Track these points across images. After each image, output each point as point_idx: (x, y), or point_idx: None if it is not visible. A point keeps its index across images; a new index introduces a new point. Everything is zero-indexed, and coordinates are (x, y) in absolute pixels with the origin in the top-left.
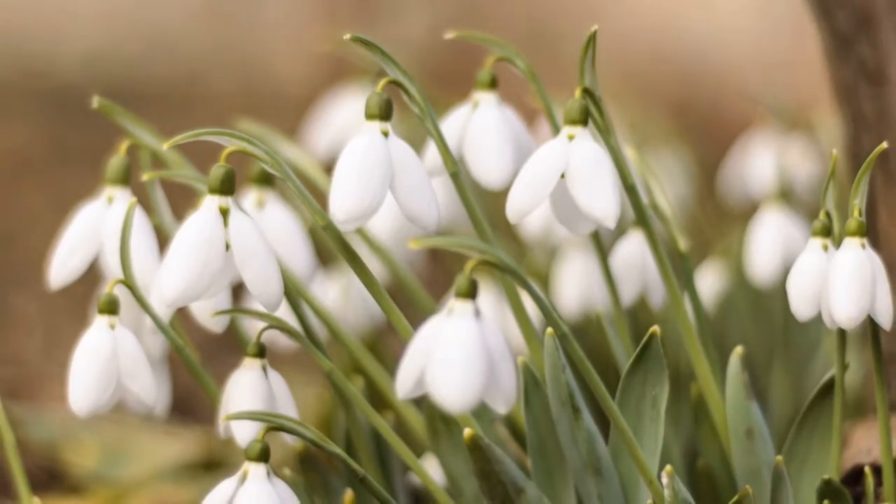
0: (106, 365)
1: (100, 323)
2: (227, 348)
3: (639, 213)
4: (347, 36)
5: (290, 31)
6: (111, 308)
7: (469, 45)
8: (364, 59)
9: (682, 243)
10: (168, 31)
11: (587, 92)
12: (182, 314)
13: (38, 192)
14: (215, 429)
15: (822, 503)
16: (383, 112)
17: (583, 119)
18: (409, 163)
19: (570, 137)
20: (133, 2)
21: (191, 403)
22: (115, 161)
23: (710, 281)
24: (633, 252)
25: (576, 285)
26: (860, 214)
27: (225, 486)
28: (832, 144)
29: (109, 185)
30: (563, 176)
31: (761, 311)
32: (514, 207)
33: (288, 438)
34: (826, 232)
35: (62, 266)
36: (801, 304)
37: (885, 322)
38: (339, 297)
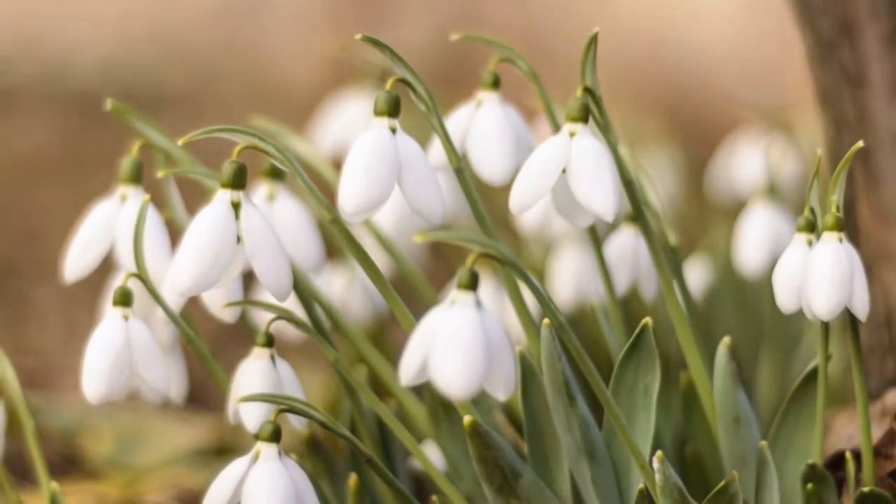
0: (119, 354)
1: (114, 314)
2: (236, 340)
3: (635, 208)
4: (358, 36)
5: (296, 36)
6: (125, 300)
7: (467, 49)
8: (367, 62)
9: (672, 238)
10: (180, 38)
11: (588, 91)
12: (193, 306)
13: (56, 191)
14: (226, 416)
15: (807, 486)
16: (391, 109)
17: (583, 117)
18: (417, 158)
19: (572, 134)
20: (147, 9)
21: (202, 392)
22: (128, 161)
23: (696, 274)
24: (625, 245)
25: (570, 278)
26: (838, 210)
27: (237, 465)
28: (811, 144)
29: (122, 183)
30: (564, 171)
31: (746, 303)
32: (516, 200)
33: (296, 423)
34: (810, 228)
35: (77, 260)
36: (786, 298)
37: (861, 314)
38: (344, 289)
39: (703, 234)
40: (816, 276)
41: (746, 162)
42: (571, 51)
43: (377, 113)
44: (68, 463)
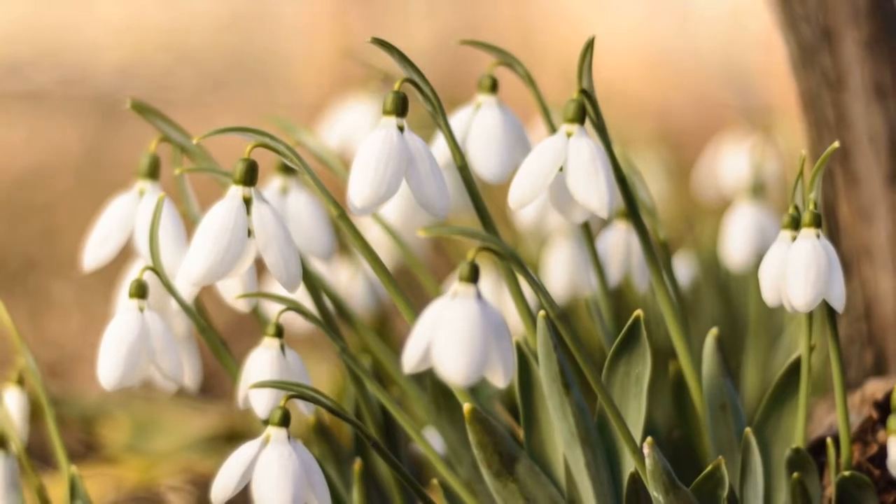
0: (133, 344)
1: (129, 306)
2: (247, 332)
3: (628, 205)
4: (369, 39)
5: (302, 42)
6: (140, 292)
7: (465, 56)
8: (371, 66)
9: (662, 233)
10: (192, 44)
11: (584, 93)
12: (206, 299)
13: (75, 189)
14: (236, 403)
15: (793, 474)
16: (399, 108)
17: (580, 118)
18: (423, 155)
19: (569, 134)
20: (162, 17)
21: (214, 382)
22: (146, 157)
23: (682, 268)
24: (617, 240)
25: (564, 271)
26: (815, 207)
27: (248, 448)
28: (790, 145)
29: (141, 178)
30: (561, 169)
31: (729, 296)
32: (516, 197)
33: (303, 409)
34: (795, 225)
35: (95, 251)
36: (771, 292)
37: (838, 305)
38: (348, 281)
39: (689, 230)
40: (795, 270)
41: (731, 162)
42: (566, 56)
43: (386, 112)
44: (87, 449)
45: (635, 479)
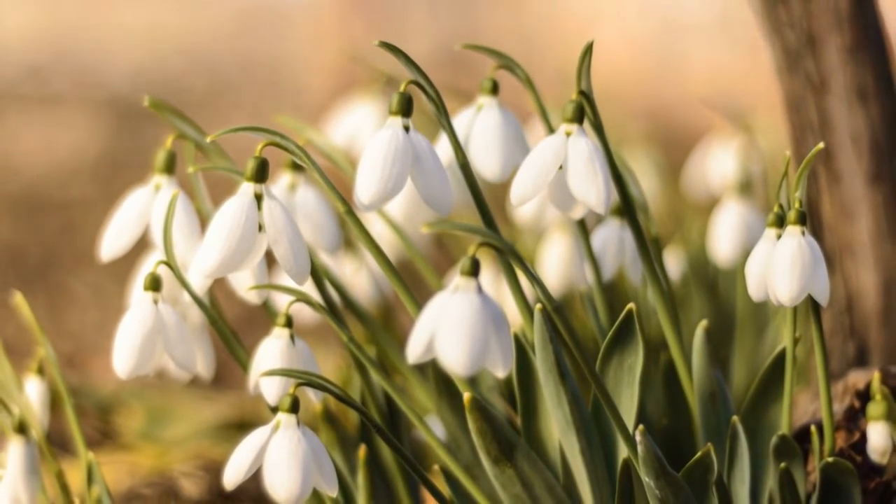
0: (148, 334)
1: (144, 298)
2: (255, 326)
3: (624, 202)
4: (376, 42)
5: (309, 46)
6: (155, 285)
7: (464, 60)
8: (374, 70)
9: (653, 230)
10: (204, 48)
11: (583, 94)
12: (218, 291)
13: (92, 188)
14: (247, 392)
15: (778, 460)
16: (404, 109)
17: (579, 118)
18: (428, 154)
19: (568, 134)
20: (174, 22)
21: (224, 372)
22: (162, 153)
23: (672, 264)
24: (611, 235)
25: (560, 265)
26: (800, 206)
27: (258, 434)
28: (771, 146)
29: (157, 174)
30: (560, 167)
31: (716, 290)
32: (517, 194)
33: (312, 396)
34: (780, 223)
35: (112, 242)
36: (757, 288)
37: (822, 300)
38: (352, 275)
39: (678, 227)
40: (780, 266)
41: (719, 162)
42: (563, 59)
43: (392, 112)
44: (104, 436)
45: (628, 465)
